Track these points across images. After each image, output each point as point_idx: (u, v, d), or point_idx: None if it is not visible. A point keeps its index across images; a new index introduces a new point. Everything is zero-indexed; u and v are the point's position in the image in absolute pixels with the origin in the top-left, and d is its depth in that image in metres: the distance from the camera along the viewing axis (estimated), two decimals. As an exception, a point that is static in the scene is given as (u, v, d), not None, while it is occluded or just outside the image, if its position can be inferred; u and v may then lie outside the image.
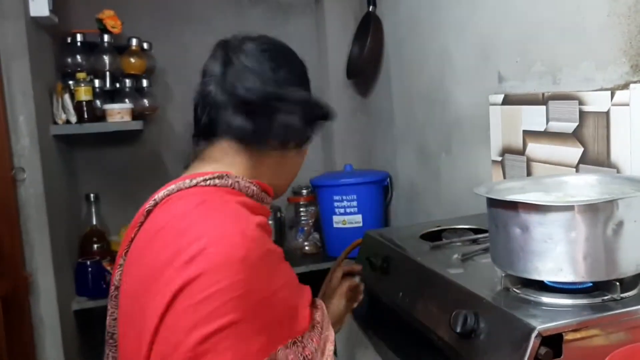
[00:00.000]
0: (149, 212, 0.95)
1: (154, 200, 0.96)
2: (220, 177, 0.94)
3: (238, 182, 0.95)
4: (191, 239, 0.84)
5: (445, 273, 1.02)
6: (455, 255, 1.12)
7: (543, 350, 0.75)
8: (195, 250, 0.82)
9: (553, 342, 0.76)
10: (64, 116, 2.05)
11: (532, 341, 0.75)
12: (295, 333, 0.88)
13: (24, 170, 1.84)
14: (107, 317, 1.00)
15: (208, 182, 0.93)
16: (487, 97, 1.53)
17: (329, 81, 2.62)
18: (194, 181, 0.94)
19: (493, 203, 0.90)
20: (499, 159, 1.50)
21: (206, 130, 1.00)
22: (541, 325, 0.76)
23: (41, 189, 1.90)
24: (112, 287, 0.99)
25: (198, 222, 0.87)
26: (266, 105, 0.96)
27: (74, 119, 2.05)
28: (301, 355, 0.87)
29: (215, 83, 0.97)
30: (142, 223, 0.96)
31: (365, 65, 2.37)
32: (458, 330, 0.86)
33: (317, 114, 1.03)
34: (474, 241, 1.21)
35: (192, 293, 0.80)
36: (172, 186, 0.95)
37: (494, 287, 0.93)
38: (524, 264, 0.86)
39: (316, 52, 2.67)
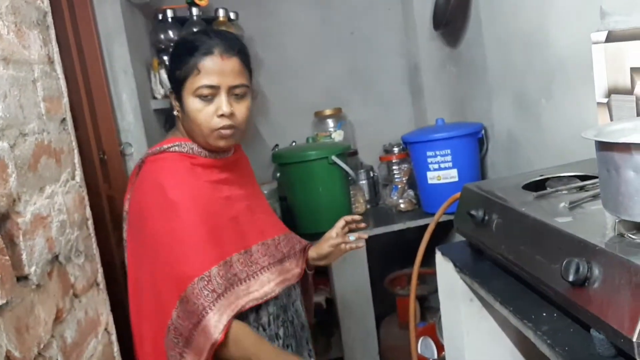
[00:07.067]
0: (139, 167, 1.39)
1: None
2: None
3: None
4: None
5: (552, 222, 0.99)
6: (562, 204, 1.07)
7: (666, 296, 0.72)
8: None
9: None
10: (162, 91, 2.15)
11: (653, 287, 0.72)
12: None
13: (131, 145, 1.95)
14: None
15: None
16: (589, 35, 1.43)
17: (416, 33, 2.57)
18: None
19: (604, 146, 0.86)
20: (605, 100, 1.41)
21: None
22: (663, 271, 0.73)
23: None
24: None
25: None
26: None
27: (171, 92, 2.14)
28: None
29: None
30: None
31: (452, 13, 2.28)
32: (570, 279, 0.84)
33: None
34: (582, 188, 1.16)
35: None
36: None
37: (606, 234, 0.89)
38: (640, 208, 0.81)
39: (399, 4, 2.60)
